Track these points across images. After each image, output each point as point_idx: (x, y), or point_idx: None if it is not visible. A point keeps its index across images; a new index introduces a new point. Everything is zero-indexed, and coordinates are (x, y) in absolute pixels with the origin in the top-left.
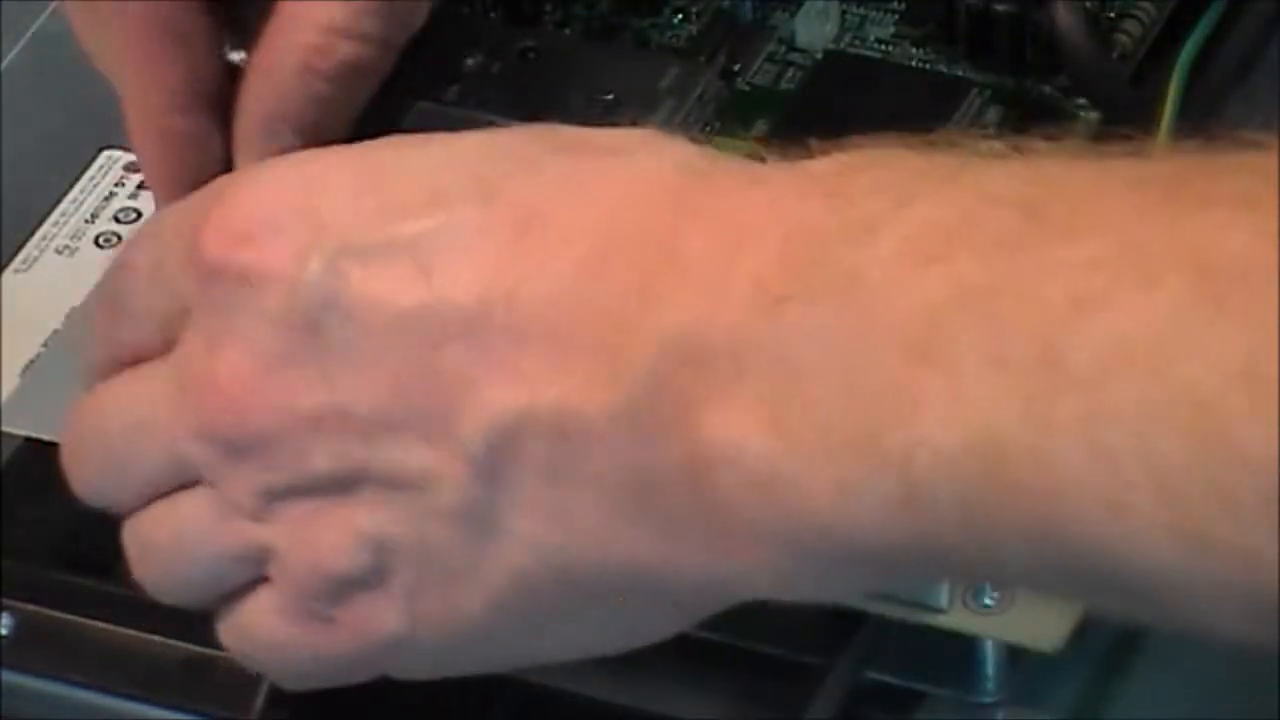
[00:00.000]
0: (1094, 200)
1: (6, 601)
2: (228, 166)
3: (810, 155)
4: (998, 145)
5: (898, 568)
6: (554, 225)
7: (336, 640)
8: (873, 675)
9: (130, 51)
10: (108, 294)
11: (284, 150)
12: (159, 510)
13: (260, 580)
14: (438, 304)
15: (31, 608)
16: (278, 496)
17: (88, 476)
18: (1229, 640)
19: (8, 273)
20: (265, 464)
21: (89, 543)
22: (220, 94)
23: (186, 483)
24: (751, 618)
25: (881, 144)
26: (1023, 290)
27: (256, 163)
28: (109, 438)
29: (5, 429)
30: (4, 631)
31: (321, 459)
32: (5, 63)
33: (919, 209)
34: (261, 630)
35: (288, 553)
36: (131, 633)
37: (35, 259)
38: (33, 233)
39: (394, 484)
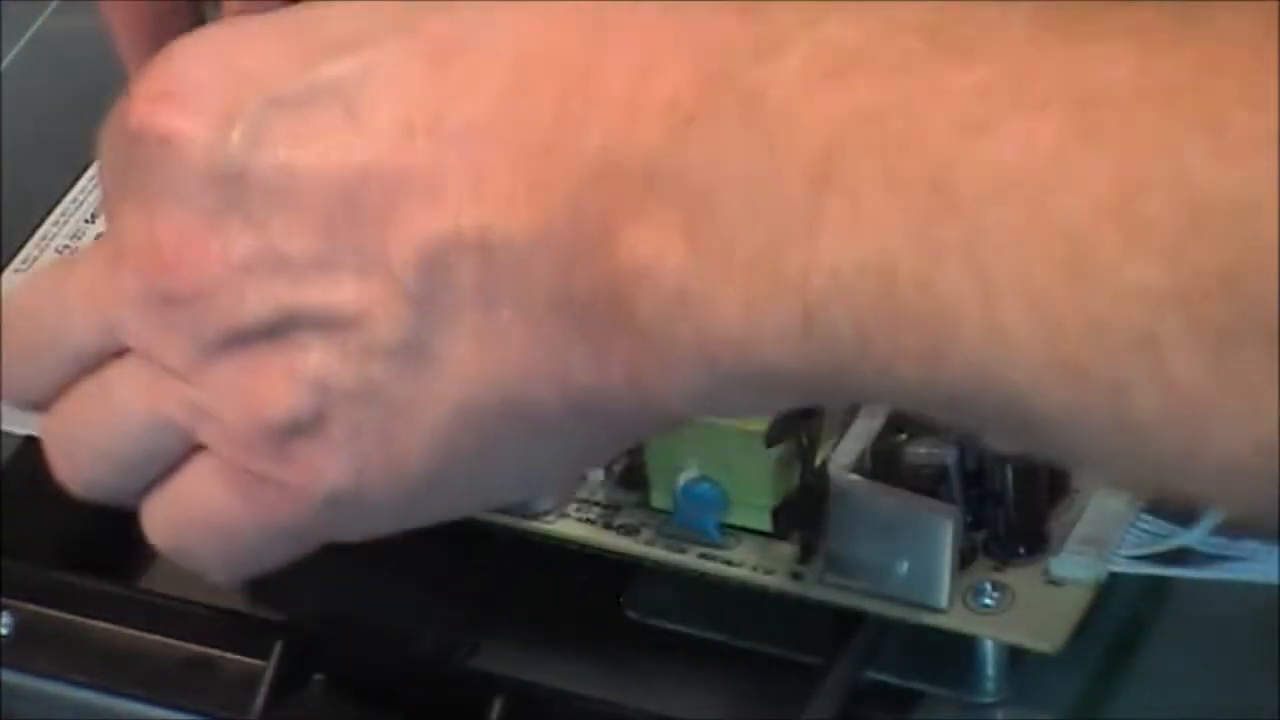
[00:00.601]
0: (993, 29)
1: (6, 601)
2: None
3: None
4: None
5: (806, 390)
6: (473, 54)
7: (280, 502)
8: (873, 675)
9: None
10: None
11: None
12: (86, 386)
13: (192, 453)
14: (362, 140)
15: (31, 608)
16: (212, 350)
17: (17, 341)
18: (1092, 466)
19: (8, 273)
20: (199, 316)
21: (89, 543)
22: None
23: (118, 349)
24: (751, 618)
25: None
26: (914, 113)
27: None
28: (34, 317)
29: (5, 429)
30: (4, 631)
31: (255, 304)
32: (5, 63)
33: (825, 28)
34: (198, 506)
35: (224, 408)
36: (131, 633)
37: (35, 259)
38: (33, 233)
39: (330, 323)
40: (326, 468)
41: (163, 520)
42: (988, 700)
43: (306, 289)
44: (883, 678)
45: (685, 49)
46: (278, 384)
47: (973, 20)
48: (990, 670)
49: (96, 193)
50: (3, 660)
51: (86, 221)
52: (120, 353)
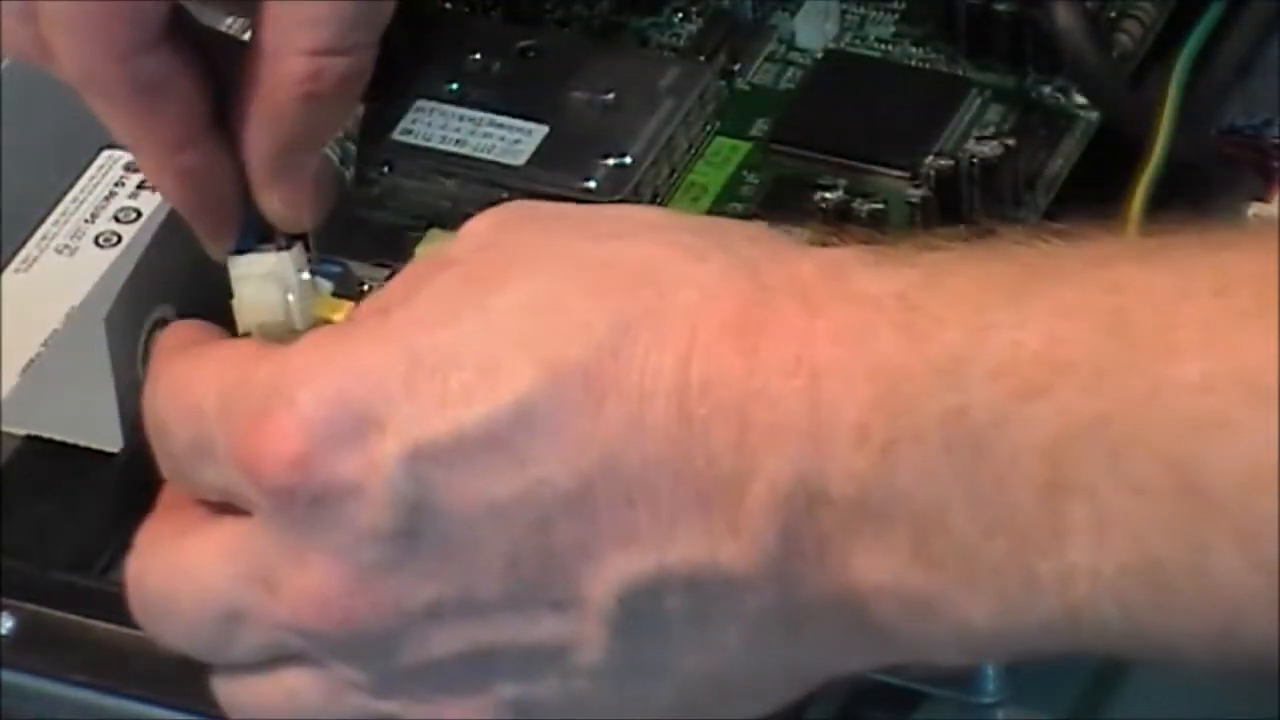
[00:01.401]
0: (1180, 306)
1: (6, 601)
2: (242, 176)
3: (847, 244)
4: (1046, 239)
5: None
6: (625, 385)
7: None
8: (873, 675)
9: (112, 115)
10: (152, 437)
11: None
12: (263, 682)
13: None
14: (536, 488)
15: (31, 608)
16: (403, 677)
17: (171, 639)
18: None
19: (8, 273)
20: (381, 656)
21: (89, 543)
22: (217, 115)
23: (291, 656)
24: None
25: (923, 245)
26: (1140, 416)
27: (281, 194)
28: (192, 619)
29: (5, 429)
30: (4, 631)
31: (443, 645)
32: (5, 63)
33: (1000, 335)
34: None
35: (415, 716)
36: (131, 633)
37: (35, 259)
38: (33, 233)
39: (529, 652)
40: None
41: None
42: (988, 700)
43: (499, 628)
44: (883, 678)
45: (852, 368)
46: (473, 705)
47: (1153, 299)
48: (990, 670)
49: (96, 192)
50: (3, 660)
51: (86, 221)
52: (293, 656)
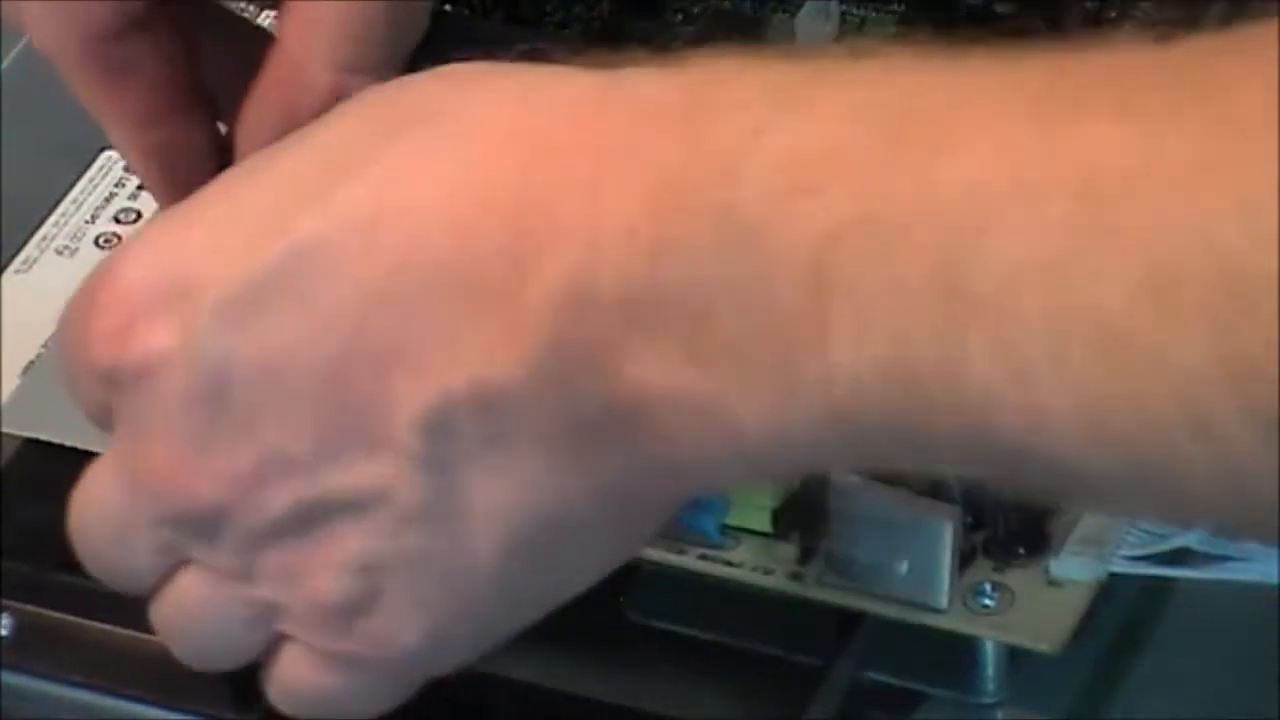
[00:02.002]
0: (965, 107)
1: (6, 601)
2: (222, 153)
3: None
4: (839, 49)
5: (842, 465)
6: (403, 212)
7: (369, 671)
8: (873, 675)
9: (81, 89)
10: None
11: None
12: (167, 593)
13: (281, 636)
14: (322, 329)
15: (31, 608)
16: (253, 549)
17: (101, 574)
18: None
19: (8, 273)
20: (227, 525)
21: None
22: (191, 88)
23: (181, 558)
24: (751, 618)
25: (716, 53)
26: (904, 216)
27: None
28: (99, 544)
29: (5, 429)
30: (4, 631)
31: (275, 505)
32: (5, 63)
33: (777, 137)
34: (302, 686)
35: (286, 599)
36: (131, 633)
37: (35, 259)
38: (33, 233)
39: (354, 505)
40: (399, 633)
41: (279, 697)
42: (988, 700)
43: (321, 480)
44: (883, 678)
45: (630, 172)
46: (324, 572)
47: (932, 102)
48: (990, 670)
49: (96, 193)
50: (3, 660)
51: (86, 222)
52: (184, 555)
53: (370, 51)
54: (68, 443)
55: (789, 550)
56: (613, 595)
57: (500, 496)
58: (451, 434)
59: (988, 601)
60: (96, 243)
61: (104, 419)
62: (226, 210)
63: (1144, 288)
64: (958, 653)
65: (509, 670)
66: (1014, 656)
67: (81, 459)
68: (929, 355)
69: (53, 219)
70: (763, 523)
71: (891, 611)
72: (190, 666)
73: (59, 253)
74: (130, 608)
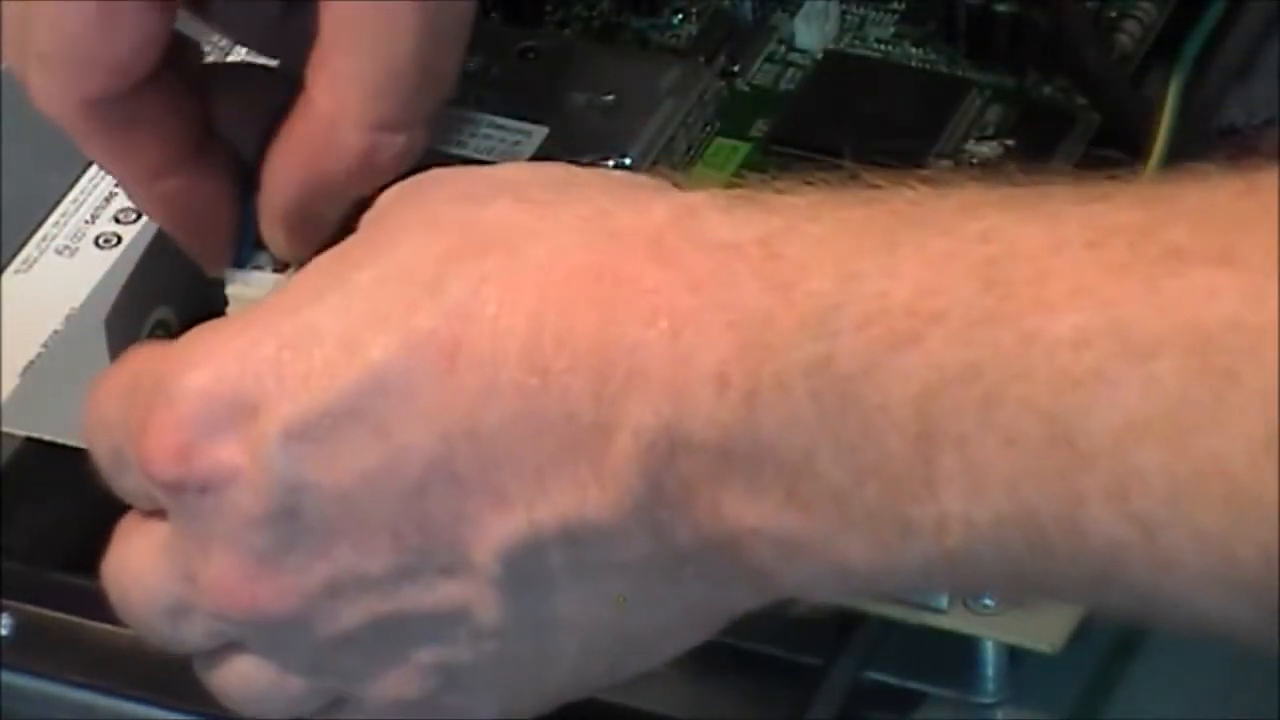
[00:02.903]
0: (1053, 258)
1: (6, 601)
2: (235, 189)
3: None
4: (912, 185)
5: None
6: (477, 348)
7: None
8: (873, 675)
9: (86, 148)
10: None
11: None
12: (223, 670)
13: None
14: (401, 456)
15: (31, 608)
16: (323, 654)
17: (140, 632)
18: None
19: (8, 273)
20: (299, 635)
21: (89, 543)
22: (201, 135)
23: (233, 641)
24: (751, 618)
25: (781, 189)
26: (1012, 369)
27: (290, 235)
28: (143, 614)
29: (5, 429)
30: (4, 631)
31: (351, 619)
32: (5, 63)
33: (868, 284)
34: None
35: (361, 693)
36: (131, 633)
37: (35, 259)
38: (33, 233)
39: (434, 617)
40: (473, 709)
41: None
42: (988, 700)
43: (398, 598)
44: (883, 678)
45: (714, 316)
46: (405, 676)
47: (1025, 252)
48: (990, 670)
49: (96, 192)
50: (3, 660)
51: (86, 222)
52: (236, 640)
53: (403, 109)
54: (68, 442)
55: None
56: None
57: (585, 615)
58: (538, 563)
59: (988, 601)
60: (96, 243)
61: (141, 504)
62: (294, 329)
63: (1266, 443)
64: (958, 653)
65: None
66: (1014, 656)
67: (81, 459)
68: (1047, 508)
69: (53, 219)
70: None
71: (891, 611)
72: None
73: (59, 253)
74: None
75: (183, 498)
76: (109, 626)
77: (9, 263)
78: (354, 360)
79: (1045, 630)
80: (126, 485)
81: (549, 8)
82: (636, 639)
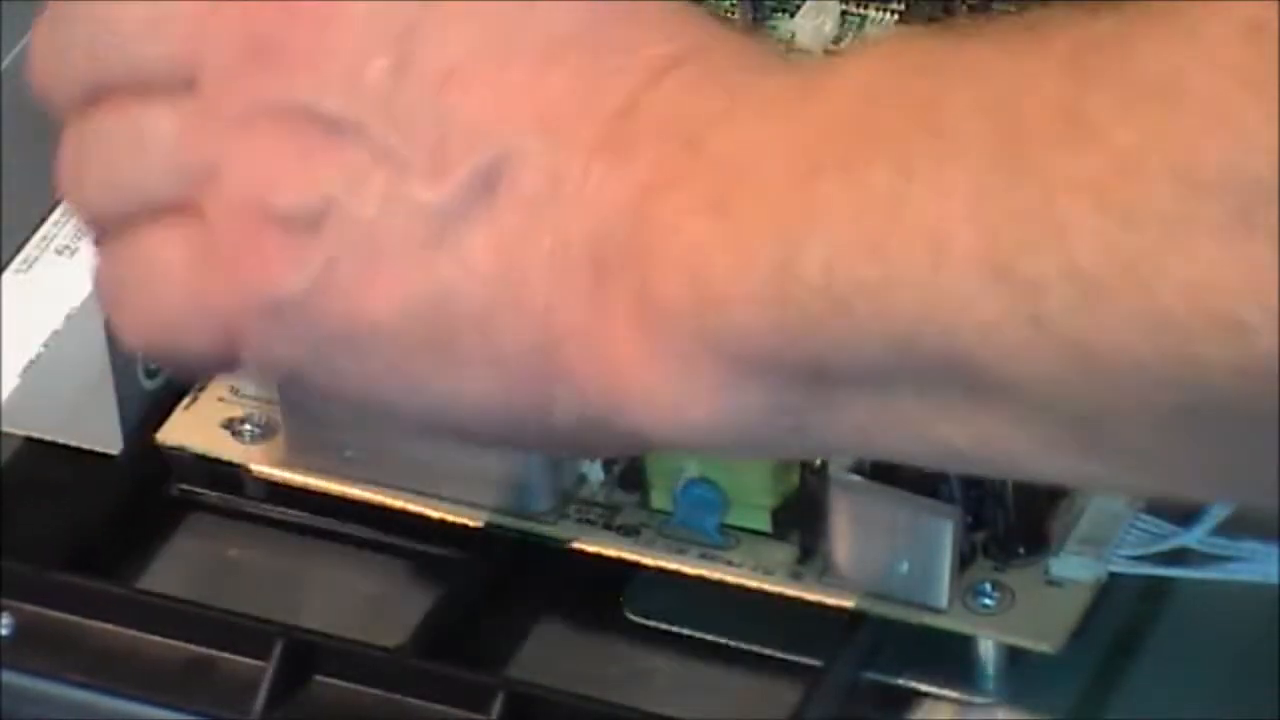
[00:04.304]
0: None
1: (6, 601)
2: None
3: None
4: None
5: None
6: None
7: (231, 282)
8: (873, 675)
9: None
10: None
11: None
12: (131, 107)
13: (172, 216)
14: None
15: (31, 608)
16: (266, 115)
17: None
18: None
19: (8, 273)
20: (284, 79)
21: (89, 543)
22: None
23: (173, 82)
24: (751, 618)
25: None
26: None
27: None
28: (107, 17)
29: (5, 429)
30: (4, 631)
31: (339, 96)
32: (5, 63)
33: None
34: (153, 262)
35: (238, 174)
36: (131, 633)
37: (35, 259)
38: (33, 233)
39: (388, 156)
40: (285, 273)
41: (113, 260)
42: (987, 700)
43: (393, 120)
44: (883, 678)
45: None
46: (299, 175)
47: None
48: (990, 670)
49: None
50: (3, 660)
51: None
52: (168, 87)
53: None
54: (68, 442)
55: (789, 550)
56: (613, 595)
57: (480, 260)
58: (510, 179)
59: (988, 601)
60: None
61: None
62: None
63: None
64: (958, 653)
65: (509, 670)
66: (1014, 656)
67: (82, 457)
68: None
69: (53, 219)
70: (763, 523)
71: (891, 611)
72: (67, 196)
73: (59, 253)
74: (130, 608)
75: None
76: (109, 626)
77: (9, 263)
78: None
79: (1045, 630)
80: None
81: None
82: (461, 344)
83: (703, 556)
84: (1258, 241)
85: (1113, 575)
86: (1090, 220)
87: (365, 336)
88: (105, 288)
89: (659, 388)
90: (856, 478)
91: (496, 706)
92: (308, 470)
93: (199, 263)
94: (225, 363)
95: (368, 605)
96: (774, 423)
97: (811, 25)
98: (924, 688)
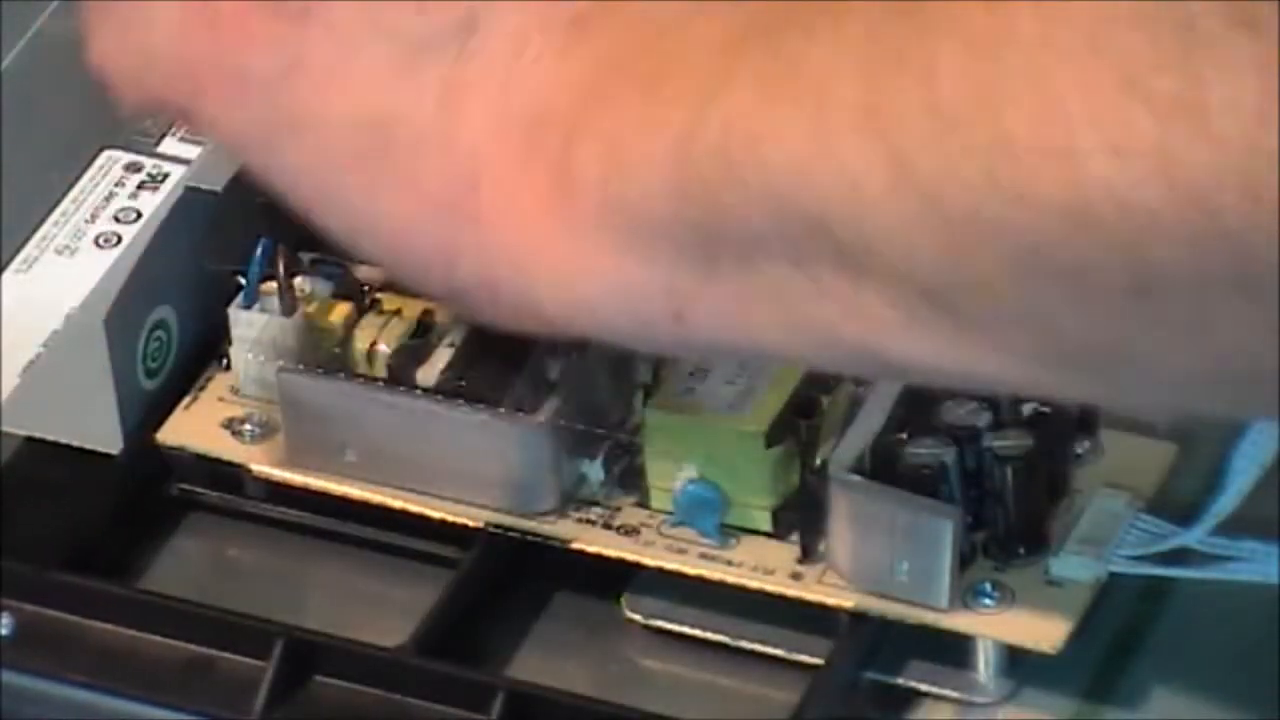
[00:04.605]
0: None
1: (6, 601)
2: None
3: None
4: None
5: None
6: None
7: (212, 41)
8: (873, 675)
9: None
10: None
11: None
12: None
13: None
14: None
15: (31, 608)
16: None
17: None
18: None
19: (8, 273)
20: None
21: (89, 543)
22: None
23: None
24: (751, 618)
25: None
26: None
27: None
28: None
29: (5, 429)
30: (4, 631)
31: None
32: (5, 63)
33: None
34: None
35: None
36: (131, 633)
37: (35, 259)
38: (33, 233)
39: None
40: (263, 51)
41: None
42: (988, 700)
43: None
44: (883, 678)
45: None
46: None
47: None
48: (990, 670)
49: (96, 193)
50: (3, 660)
51: (86, 222)
52: None
53: None
54: (68, 442)
55: (789, 550)
56: (613, 595)
57: (478, 110)
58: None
59: (988, 601)
60: (96, 242)
61: None
62: None
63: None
64: (958, 652)
65: (509, 670)
66: (1014, 656)
67: (82, 457)
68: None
69: (53, 219)
70: (763, 523)
71: (891, 611)
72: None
73: (59, 252)
74: (130, 608)
75: None
76: (109, 626)
77: (9, 263)
78: None
79: (1045, 630)
80: None
81: None
82: (388, 161)
83: (703, 556)
84: (1104, 69)
85: (1113, 575)
86: (959, 57)
87: (311, 132)
88: (94, 8)
89: (558, 253)
90: (856, 478)
91: (496, 706)
92: (308, 470)
93: (190, 14)
94: (178, 110)
95: (368, 605)
96: (659, 306)
97: None
98: (924, 687)
